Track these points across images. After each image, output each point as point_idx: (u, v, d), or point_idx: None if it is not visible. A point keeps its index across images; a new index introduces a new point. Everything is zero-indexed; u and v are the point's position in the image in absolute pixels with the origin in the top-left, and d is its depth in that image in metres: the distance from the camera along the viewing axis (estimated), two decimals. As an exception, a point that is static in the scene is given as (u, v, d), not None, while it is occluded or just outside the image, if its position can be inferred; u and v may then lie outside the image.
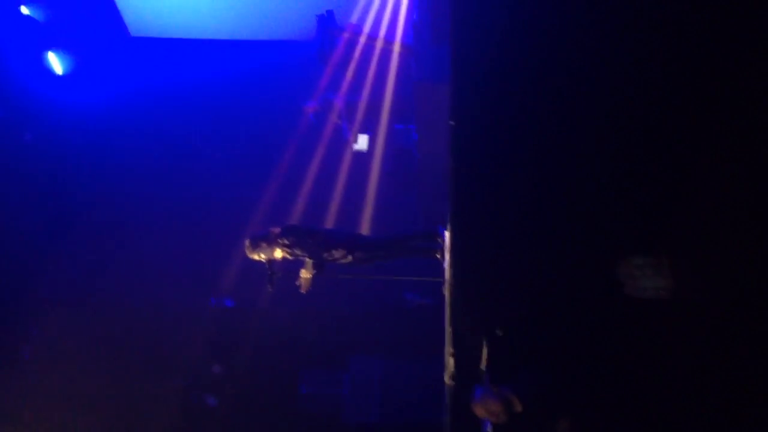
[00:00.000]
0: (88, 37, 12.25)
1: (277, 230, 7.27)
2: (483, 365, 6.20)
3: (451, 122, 5.38)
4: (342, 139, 11.97)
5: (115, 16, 12.61)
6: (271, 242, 7.20)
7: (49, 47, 11.66)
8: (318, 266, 7.19)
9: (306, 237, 7.24)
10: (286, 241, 7.19)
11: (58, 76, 11.84)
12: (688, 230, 5.39)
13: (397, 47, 10.88)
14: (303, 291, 7.19)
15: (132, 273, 12.01)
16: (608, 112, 5.63)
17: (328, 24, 11.07)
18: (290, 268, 7.41)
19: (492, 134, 5.67)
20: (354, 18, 11.39)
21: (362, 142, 11.69)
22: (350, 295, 11.60)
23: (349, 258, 7.36)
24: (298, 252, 7.22)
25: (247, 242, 7.25)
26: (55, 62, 11.78)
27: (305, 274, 7.12)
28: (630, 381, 5.41)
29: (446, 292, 6.77)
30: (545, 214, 5.82)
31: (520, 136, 5.68)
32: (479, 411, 5.47)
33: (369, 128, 11.79)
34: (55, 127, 12.10)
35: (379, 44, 10.98)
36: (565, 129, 5.72)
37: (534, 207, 5.83)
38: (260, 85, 12.79)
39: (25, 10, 11.28)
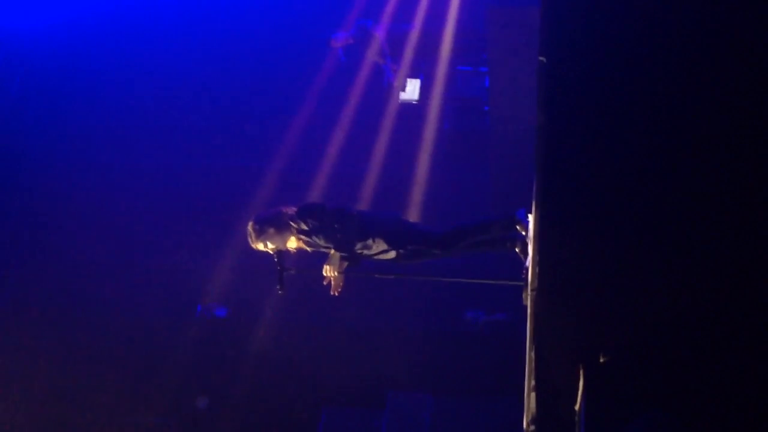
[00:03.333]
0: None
1: (291, 210, 7.29)
2: (578, 406, 6.18)
3: (542, 58, 5.31)
4: (383, 86, 11.99)
5: None
6: (284, 227, 7.22)
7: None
8: (350, 260, 7.21)
9: (332, 221, 7.25)
10: (303, 226, 7.21)
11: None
12: None
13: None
14: (334, 293, 7.21)
15: (91, 270, 12.22)
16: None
17: None
18: (308, 263, 7.45)
19: (598, 77, 5.60)
20: None
21: (412, 89, 11.69)
22: (389, 306, 11.67)
23: (392, 254, 7.36)
24: (320, 241, 7.24)
25: (250, 226, 7.28)
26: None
27: (330, 271, 7.15)
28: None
29: (528, 302, 6.74)
30: (674, 190, 5.75)
31: (638, 79, 5.60)
32: (573, 470, 5.47)
33: (422, 71, 11.79)
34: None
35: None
36: (698, 75, 5.65)
37: (659, 181, 5.76)
38: (268, 10, 12.85)
39: None
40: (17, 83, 12.70)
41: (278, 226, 7.24)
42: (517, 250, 7.26)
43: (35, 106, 12.89)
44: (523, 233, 7.20)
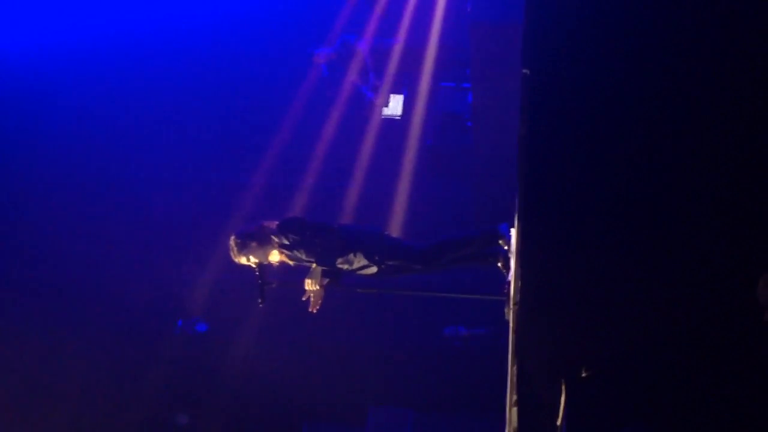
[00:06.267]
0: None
1: (273, 225, 7.30)
2: (560, 420, 6.17)
3: (525, 70, 5.31)
4: (366, 101, 12.00)
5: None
6: (265, 241, 7.24)
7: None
8: (331, 275, 7.19)
9: (313, 235, 7.26)
10: (285, 240, 7.23)
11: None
12: None
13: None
14: (312, 309, 7.21)
15: (65, 284, 12.15)
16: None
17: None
18: (290, 277, 7.44)
19: (582, 89, 5.61)
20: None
21: (395, 105, 11.71)
22: (372, 321, 11.65)
23: (374, 269, 7.37)
24: (301, 255, 7.25)
25: (232, 240, 7.29)
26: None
27: (312, 285, 7.14)
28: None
29: (510, 317, 6.74)
30: (656, 207, 5.76)
31: (625, 96, 5.61)
32: (554, 485, 5.46)
33: (405, 86, 11.81)
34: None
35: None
36: (684, 87, 5.66)
37: (641, 197, 5.77)
38: (254, 25, 12.87)
39: None
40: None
41: (260, 240, 7.26)
42: (499, 264, 7.27)
43: (19, 116, 12.85)
44: (505, 248, 7.20)
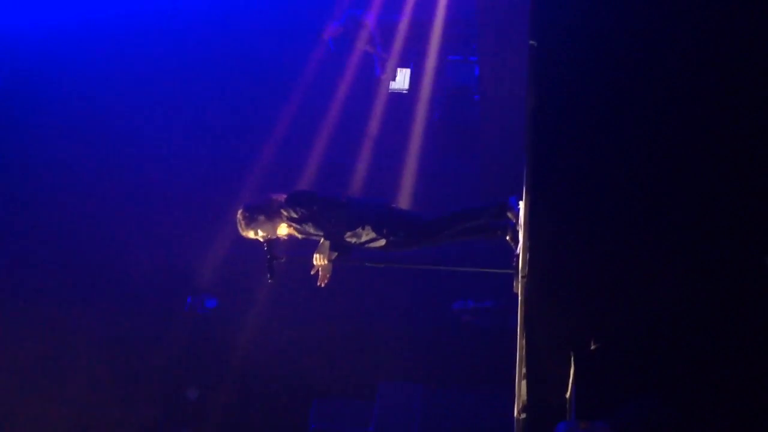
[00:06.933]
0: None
1: (281, 198, 7.28)
2: (569, 393, 6.18)
3: (532, 42, 5.30)
4: (373, 75, 11.98)
5: None
6: (274, 214, 7.21)
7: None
8: (340, 248, 7.19)
9: (322, 208, 7.24)
10: (293, 214, 7.20)
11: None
12: None
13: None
14: (320, 284, 7.21)
15: (78, 262, 12.20)
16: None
17: None
18: (299, 252, 7.44)
19: (590, 62, 5.60)
20: None
21: (401, 79, 11.69)
22: (381, 295, 11.67)
23: (383, 241, 7.34)
24: (309, 229, 7.23)
25: (240, 214, 7.26)
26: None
27: (320, 260, 7.14)
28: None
29: (518, 290, 6.74)
30: (664, 180, 5.75)
31: (631, 67, 5.59)
32: (563, 457, 5.47)
33: (412, 60, 11.79)
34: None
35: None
36: (689, 66, 5.65)
37: (649, 170, 5.76)
38: (261, 1, 12.83)
39: None
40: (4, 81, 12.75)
41: (268, 213, 7.23)
42: (507, 237, 7.25)
43: (27, 103, 12.86)
44: (514, 220, 7.19)
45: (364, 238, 7.31)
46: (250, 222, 7.24)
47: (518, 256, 6.80)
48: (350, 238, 7.29)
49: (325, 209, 7.26)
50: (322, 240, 7.22)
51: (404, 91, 11.78)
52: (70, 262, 12.20)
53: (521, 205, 6.99)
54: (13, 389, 11.52)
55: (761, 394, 5.51)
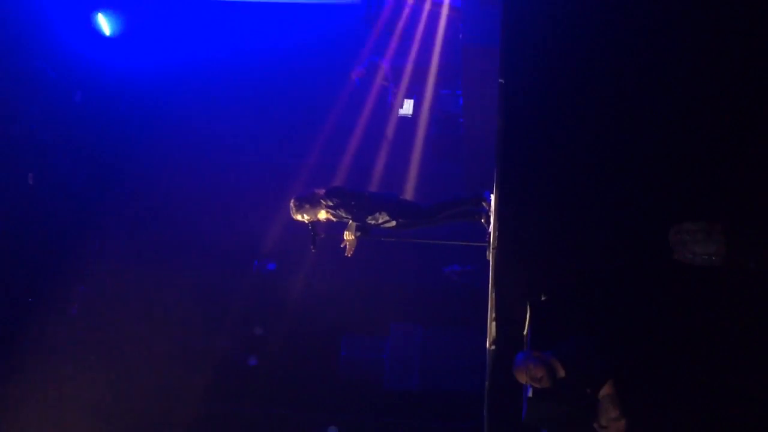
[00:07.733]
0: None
1: (321, 192, 7.31)
2: (525, 330, 6.18)
3: (501, 80, 5.29)
4: (387, 104, 11.92)
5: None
6: (316, 203, 7.24)
7: (99, 8, 11.79)
8: (362, 228, 7.21)
9: (350, 199, 7.26)
10: (330, 203, 7.23)
11: (107, 38, 11.97)
12: (741, 194, 5.26)
13: (445, 9, 10.75)
14: (348, 254, 7.24)
15: (177, 236, 12.21)
16: (664, 78, 5.51)
17: (374, -14, 11.00)
18: (333, 231, 7.44)
19: (542, 96, 5.59)
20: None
21: (407, 106, 11.63)
22: (392, 261, 11.64)
23: (393, 223, 7.35)
24: (341, 214, 7.25)
25: (292, 203, 7.30)
26: (104, 23, 11.90)
27: (349, 236, 7.15)
28: (677, 348, 5.34)
29: (490, 257, 6.74)
30: (594, 177, 5.74)
31: (571, 100, 5.58)
32: (521, 376, 5.44)
33: (414, 93, 11.71)
34: (104, 89, 12.29)
35: (427, 6, 10.86)
36: (618, 92, 5.62)
37: (583, 171, 5.76)
38: (305, 49, 12.75)
39: (74, -29, 11.42)
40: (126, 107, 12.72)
41: (312, 202, 7.27)
42: (482, 220, 7.25)
43: (142, 121, 12.84)
44: (487, 208, 7.19)
45: (380, 221, 7.33)
46: (299, 209, 7.28)
47: (490, 233, 6.81)
48: (370, 221, 7.30)
49: (352, 199, 7.28)
50: (350, 222, 7.23)
51: (409, 115, 11.70)
52: (177, 235, 12.17)
53: (492, 197, 7.00)
54: (130, 322, 11.51)
55: (671, 339, 5.47)
